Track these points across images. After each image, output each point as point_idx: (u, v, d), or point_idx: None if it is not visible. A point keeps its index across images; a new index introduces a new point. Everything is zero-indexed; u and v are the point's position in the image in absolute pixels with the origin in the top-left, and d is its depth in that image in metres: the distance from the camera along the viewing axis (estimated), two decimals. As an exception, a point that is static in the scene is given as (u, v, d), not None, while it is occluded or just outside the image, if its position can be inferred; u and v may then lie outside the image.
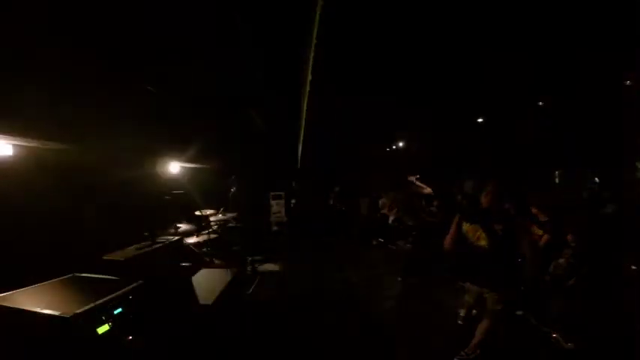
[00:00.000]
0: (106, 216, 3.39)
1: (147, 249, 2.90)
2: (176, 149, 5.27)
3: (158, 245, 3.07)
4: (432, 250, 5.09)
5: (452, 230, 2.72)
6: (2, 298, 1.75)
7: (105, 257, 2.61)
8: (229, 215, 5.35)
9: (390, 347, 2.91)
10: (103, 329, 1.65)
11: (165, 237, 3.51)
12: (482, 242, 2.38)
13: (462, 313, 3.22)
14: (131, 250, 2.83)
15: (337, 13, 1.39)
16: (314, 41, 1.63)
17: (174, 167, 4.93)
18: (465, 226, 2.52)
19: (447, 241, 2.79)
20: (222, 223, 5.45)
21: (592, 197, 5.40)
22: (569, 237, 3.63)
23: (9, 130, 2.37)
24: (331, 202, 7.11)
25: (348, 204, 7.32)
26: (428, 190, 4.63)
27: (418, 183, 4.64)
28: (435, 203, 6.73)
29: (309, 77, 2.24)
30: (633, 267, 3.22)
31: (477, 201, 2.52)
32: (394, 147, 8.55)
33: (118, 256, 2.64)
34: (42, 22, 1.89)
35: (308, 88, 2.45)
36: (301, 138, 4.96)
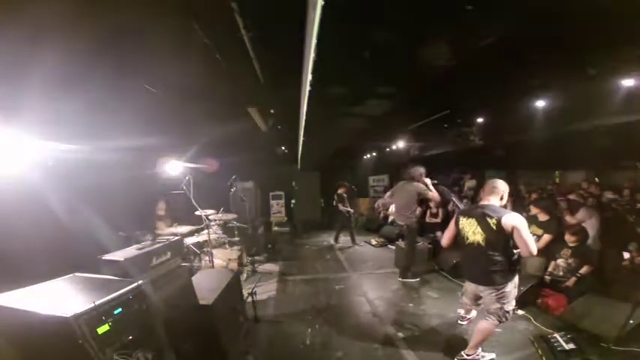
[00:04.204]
0: (106, 216, 3.39)
1: (147, 249, 2.90)
2: (177, 149, 5.28)
3: (158, 245, 3.07)
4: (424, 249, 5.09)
5: (450, 227, 2.74)
6: (2, 298, 1.75)
7: (105, 257, 2.61)
8: (229, 215, 5.35)
9: (390, 347, 2.91)
10: (103, 329, 1.65)
11: (166, 237, 3.51)
12: (478, 237, 2.38)
13: (462, 313, 3.22)
14: (131, 250, 2.83)
15: (337, 13, 1.40)
16: (314, 41, 1.64)
17: (174, 167, 4.93)
18: (462, 222, 2.53)
19: (445, 237, 2.81)
20: (222, 223, 5.45)
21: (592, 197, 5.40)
22: (568, 237, 3.64)
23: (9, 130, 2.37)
24: (335, 203, 7.10)
25: (351, 204, 7.30)
26: (434, 195, 4.43)
27: (431, 187, 4.50)
28: (433, 204, 6.74)
29: (309, 77, 2.25)
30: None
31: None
32: (394, 147, 8.54)
33: (118, 256, 2.64)
34: (41, 21, 1.90)
35: (308, 88, 2.46)
36: (301, 138, 4.97)
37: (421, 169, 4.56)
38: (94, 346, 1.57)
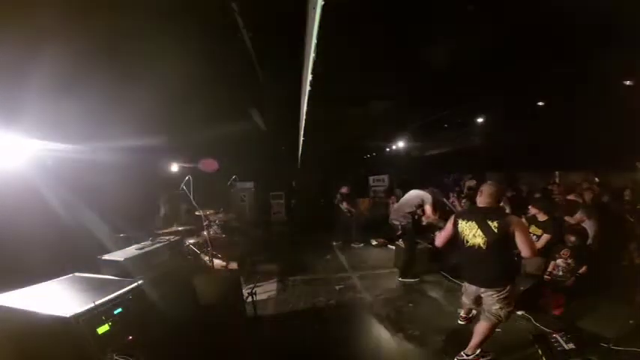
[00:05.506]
0: (107, 216, 3.39)
1: (147, 249, 2.90)
2: (177, 149, 5.28)
3: (158, 245, 3.07)
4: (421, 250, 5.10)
5: (447, 228, 2.73)
6: (2, 298, 1.75)
7: (105, 257, 2.61)
8: (229, 215, 5.35)
9: (390, 347, 2.91)
10: (103, 329, 1.65)
11: (166, 237, 3.51)
12: (479, 240, 2.38)
13: (462, 313, 3.22)
14: (131, 250, 2.83)
15: (338, 14, 1.40)
16: (314, 41, 1.64)
17: (174, 167, 4.95)
18: (461, 225, 2.53)
19: (440, 238, 2.81)
20: (222, 223, 5.46)
21: (592, 198, 5.39)
22: (567, 237, 3.63)
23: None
24: (337, 202, 7.10)
25: (352, 204, 7.31)
26: (429, 213, 4.63)
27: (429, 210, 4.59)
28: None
29: (310, 77, 2.25)
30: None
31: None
32: (394, 147, 8.54)
33: (117, 256, 2.64)
34: (41, 23, 1.90)
35: (308, 88, 2.46)
36: (301, 138, 4.97)
37: (437, 192, 4.82)
38: (94, 346, 1.57)
